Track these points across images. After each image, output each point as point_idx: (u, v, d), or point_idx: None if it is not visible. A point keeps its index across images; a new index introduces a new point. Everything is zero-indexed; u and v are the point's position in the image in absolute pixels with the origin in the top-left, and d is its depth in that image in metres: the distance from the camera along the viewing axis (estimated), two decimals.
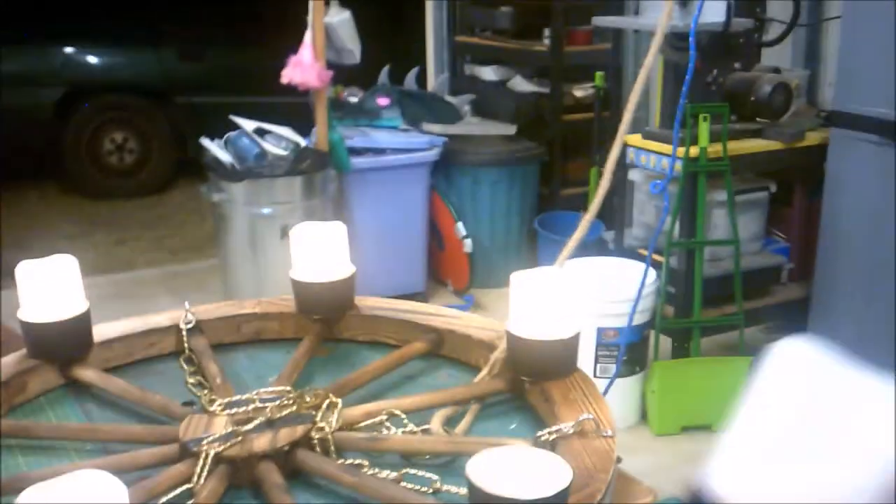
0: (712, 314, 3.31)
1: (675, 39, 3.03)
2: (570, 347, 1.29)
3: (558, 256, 1.48)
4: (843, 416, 0.58)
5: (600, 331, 3.02)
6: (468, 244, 4.20)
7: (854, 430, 0.57)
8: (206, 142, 3.81)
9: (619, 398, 3.08)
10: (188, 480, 1.09)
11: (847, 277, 3.20)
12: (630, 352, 3.06)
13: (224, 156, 3.68)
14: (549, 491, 0.90)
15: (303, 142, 3.77)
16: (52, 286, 1.34)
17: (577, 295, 1.31)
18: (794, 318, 3.70)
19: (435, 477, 1.12)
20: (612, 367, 3.03)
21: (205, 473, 1.10)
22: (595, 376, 3.06)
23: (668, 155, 3.02)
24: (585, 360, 3.06)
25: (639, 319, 3.05)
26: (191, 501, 1.07)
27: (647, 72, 1.46)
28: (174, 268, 4.91)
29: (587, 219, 1.47)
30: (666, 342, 3.28)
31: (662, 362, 3.19)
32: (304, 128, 3.90)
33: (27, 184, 6.21)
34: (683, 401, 3.14)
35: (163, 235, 5.48)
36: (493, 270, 4.50)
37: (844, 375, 0.61)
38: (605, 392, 2.94)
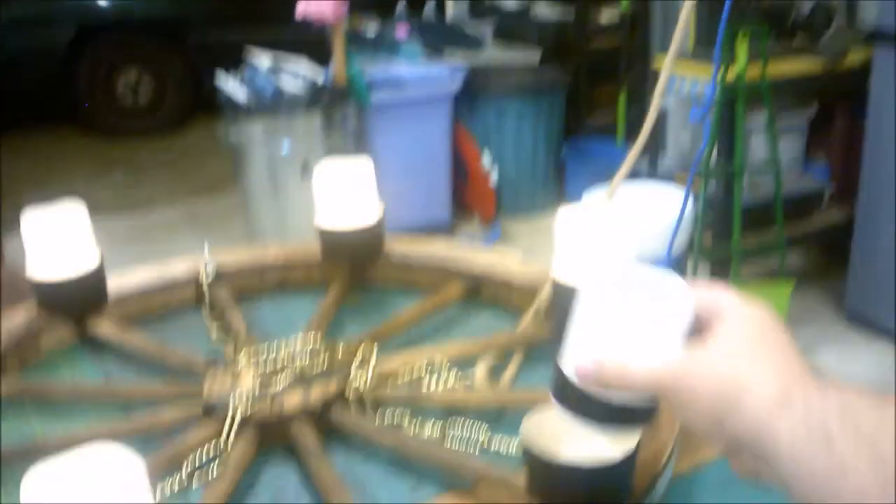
0: (752, 241, 3.19)
1: None
2: None
3: (609, 185, 1.36)
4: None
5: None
6: (494, 174, 4.08)
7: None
8: (221, 80, 3.68)
9: None
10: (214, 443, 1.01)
11: (892, 200, 3.06)
12: None
13: (240, 93, 3.56)
14: (614, 454, 0.80)
15: (320, 77, 3.63)
16: (61, 238, 1.25)
17: (629, 232, 1.20)
18: (834, 243, 3.59)
19: (481, 434, 1.03)
20: None
21: (232, 436, 1.01)
22: None
23: (703, 79, 2.87)
24: None
25: (677, 247, 2.94)
26: (218, 464, 0.98)
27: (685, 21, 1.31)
28: (193, 207, 4.82)
29: (636, 148, 1.35)
30: (704, 271, 3.17)
31: None
32: (322, 59, 3.77)
33: (42, 125, 6.12)
34: None
35: (181, 174, 5.38)
36: (520, 200, 4.40)
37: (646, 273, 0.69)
38: None
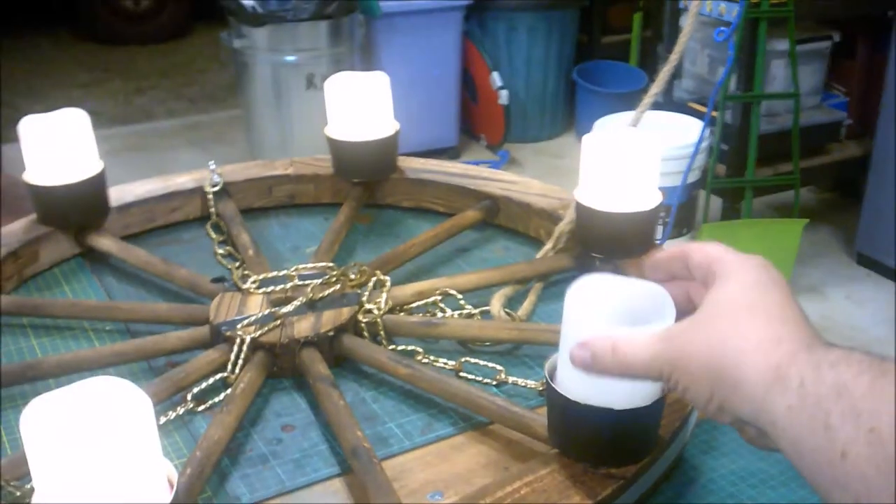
0: (766, 173, 3.12)
1: None
2: (649, 221, 1.13)
3: (633, 110, 1.29)
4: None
5: None
6: (504, 95, 3.97)
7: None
8: None
9: None
10: (221, 368, 0.97)
11: None
12: (678, 212, 2.90)
13: None
14: (643, 399, 0.75)
15: None
16: (60, 144, 1.18)
17: (658, 160, 1.14)
18: (848, 180, 3.52)
19: (499, 367, 0.99)
20: (661, 230, 2.87)
21: (240, 362, 0.97)
22: None
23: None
24: None
25: (688, 178, 2.87)
26: (226, 392, 0.94)
27: None
28: (194, 118, 4.73)
29: (666, 70, 1.28)
30: (715, 202, 3.12)
31: (711, 224, 3.02)
32: None
33: (38, 30, 5.96)
34: None
35: (182, 84, 5.27)
36: (529, 124, 4.31)
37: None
38: None
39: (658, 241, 2.81)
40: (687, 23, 1.29)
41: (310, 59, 3.50)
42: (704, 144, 2.89)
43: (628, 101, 3.84)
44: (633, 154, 1.10)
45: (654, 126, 3.00)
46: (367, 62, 3.72)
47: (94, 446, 0.58)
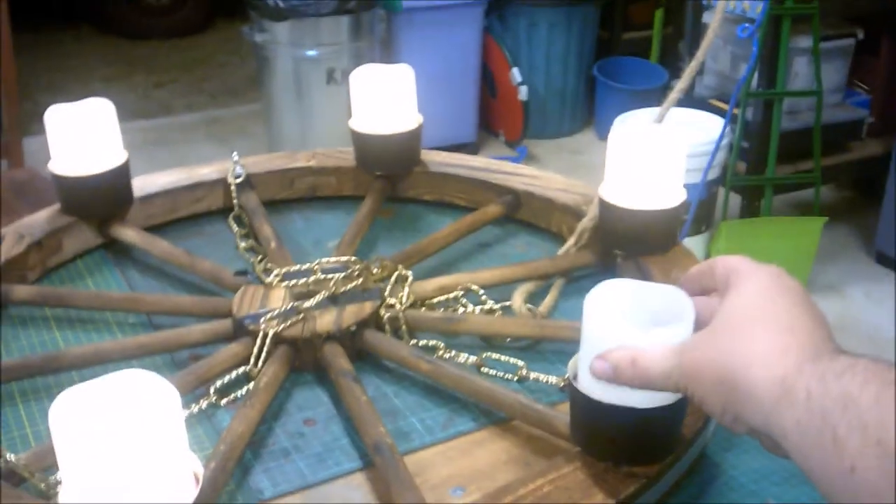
0: (786, 171, 3.10)
1: None
2: (674, 218, 1.12)
3: (660, 107, 1.29)
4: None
5: None
6: (523, 91, 3.96)
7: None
8: None
9: None
10: (244, 362, 0.97)
11: None
12: (697, 209, 2.88)
13: None
14: (666, 398, 0.75)
15: None
16: (85, 134, 1.19)
17: (683, 157, 1.13)
18: (869, 179, 3.49)
19: (520, 363, 0.99)
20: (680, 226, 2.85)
21: (263, 355, 0.97)
22: None
23: None
24: None
25: (708, 175, 2.85)
26: (248, 385, 0.94)
27: None
28: (215, 112, 4.74)
29: (693, 66, 1.27)
30: (734, 200, 3.10)
31: (730, 221, 3.01)
32: None
33: (60, 25, 5.98)
34: None
35: (202, 78, 5.28)
36: (548, 120, 4.30)
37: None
38: None
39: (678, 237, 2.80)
40: (714, 19, 1.28)
41: (331, 53, 3.50)
42: (725, 142, 2.87)
43: (648, 97, 3.83)
44: (659, 151, 1.10)
45: (675, 123, 2.98)
46: (388, 57, 3.72)
47: (123, 439, 0.59)
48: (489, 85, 4.16)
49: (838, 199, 3.73)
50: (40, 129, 1.22)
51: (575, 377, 0.78)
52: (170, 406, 0.62)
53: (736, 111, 2.88)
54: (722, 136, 2.73)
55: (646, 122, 1.20)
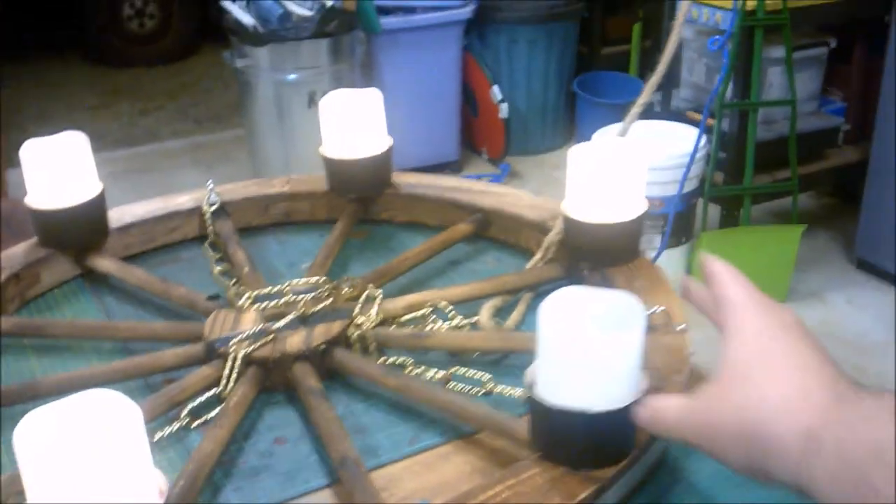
0: (764, 180, 3.14)
1: None
2: (634, 230, 1.15)
3: (623, 121, 1.32)
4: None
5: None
6: (504, 109, 4.01)
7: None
8: (227, 3, 3.60)
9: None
10: (215, 384, 0.99)
11: None
12: (676, 221, 2.92)
13: (246, 18, 3.48)
14: (618, 401, 0.77)
15: (329, 2, 3.55)
16: (61, 168, 1.21)
17: (643, 169, 1.16)
18: (847, 185, 3.53)
19: (487, 376, 1.01)
20: (658, 239, 2.89)
21: (234, 377, 0.99)
22: None
23: (722, 8, 2.79)
24: None
25: (686, 187, 2.89)
26: (220, 407, 0.97)
27: None
28: (199, 138, 4.77)
29: (654, 81, 1.30)
30: (714, 211, 3.14)
31: (710, 232, 3.05)
32: None
33: (49, 54, 6.02)
34: None
35: (187, 105, 5.32)
36: (530, 137, 4.34)
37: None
38: None
39: (657, 249, 2.82)
40: (673, 32, 1.31)
41: (311, 76, 3.54)
42: (702, 153, 2.91)
43: (628, 111, 3.87)
44: (617, 165, 1.13)
45: (653, 135, 3.03)
46: (369, 78, 3.76)
47: (85, 456, 0.61)
48: (470, 103, 4.20)
49: (818, 206, 3.77)
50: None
51: (532, 385, 0.81)
52: (131, 422, 0.64)
53: (711, 122, 2.92)
54: (696, 148, 2.77)
55: (609, 136, 1.22)
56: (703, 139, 2.89)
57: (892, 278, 3.14)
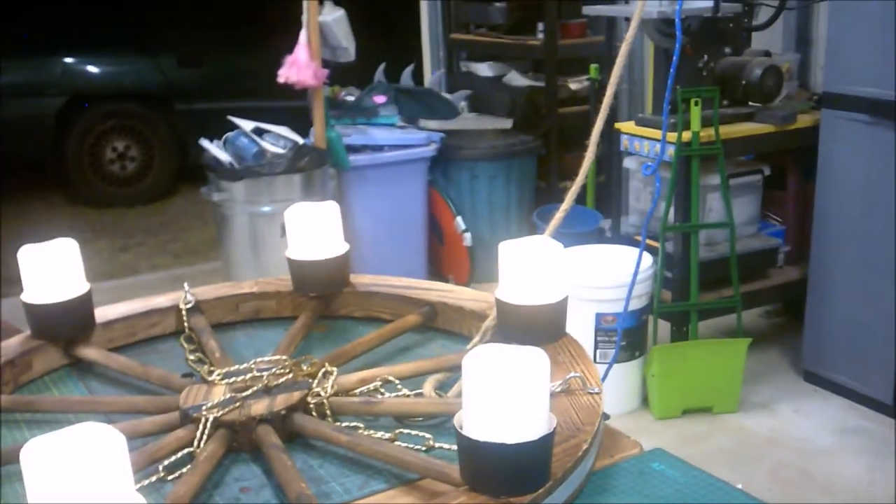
0: (710, 297, 3.34)
1: (664, 25, 3.08)
2: (558, 312, 1.32)
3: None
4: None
5: (599, 316, 3.06)
6: (468, 238, 4.24)
7: None
8: (205, 142, 3.86)
9: (621, 383, 3.12)
10: (189, 444, 1.13)
11: (843, 258, 3.23)
12: (629, 336, 3.10)
13: (223, 155, 3.73)
14: (532, 434, 0.93)
15: (301, 140, 3.81)
16: (53, 268, 1.38)
17: (564, 261, 1.34)
18: (791, 302, 3.74)
19: (428, 435, 1.16)
20: (612, 352, 3.06)
21: (205, 437, 1.13)
22: (595, 362, 3.09)
23: (660, 140, 3.06)
24: (585, 345, 3.09)
25: (636, 304, 3.08)
26: (191, 464, 1.10)
27: (628, 47, 1.50)
28: (178, 271, 4.95)
29: (573, 189, 1.51)
30: (665, 326, 3.32)
31: (661, 346, 3.22)
32: (304, 130, 3.95)
33: (32, 193, 6.27)
34: (683, 384, 3.18)
35: (166, 241, 5.53)
36: (494, 264, 4.51)
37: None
38: (605, 377, 2.97)
39: (608, 363, 2.97)
40: (624, 43, 1.50)
41: (284, 208, 3.73)
42: (650, 272, 3.12)
43: (585, 238, 4.10)
44: (541, 257, 1.31)
45: (603, 258, 3.24)
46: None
47: (78, 477, 0.76)
48: (436, 233, 4.43)
49: (768, 324, 3.97)
50: (15, 292, 1.42)
51: (461, 425, 0.96)
52: (116, 447, 0.79)
53: (656, 244, 3.14)
54: (638, 267, 2.97)
55: (532, 238, 1.40)
56: (650, 260, 3.11)
57: (836, 388, 3.31)
